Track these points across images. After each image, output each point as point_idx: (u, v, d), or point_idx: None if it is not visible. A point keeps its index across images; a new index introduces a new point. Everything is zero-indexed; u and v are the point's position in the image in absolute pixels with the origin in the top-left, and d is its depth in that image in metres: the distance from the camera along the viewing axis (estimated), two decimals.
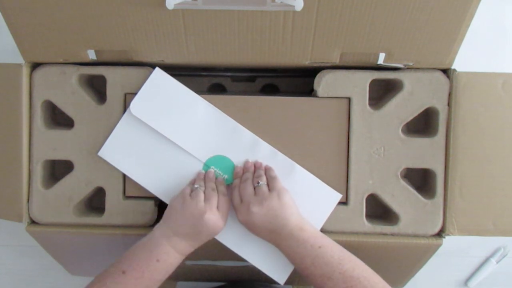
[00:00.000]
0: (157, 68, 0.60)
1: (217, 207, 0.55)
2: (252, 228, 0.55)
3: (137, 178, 0.60)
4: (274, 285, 0.74)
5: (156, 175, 0.60)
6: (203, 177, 0.59)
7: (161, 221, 0.57)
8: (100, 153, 0.60)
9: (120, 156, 0.60)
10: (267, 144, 0.60)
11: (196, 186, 0.57)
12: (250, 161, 0.60)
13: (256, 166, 0.59)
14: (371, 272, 0.51)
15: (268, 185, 0.56)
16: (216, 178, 0.60)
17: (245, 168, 0.59)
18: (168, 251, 0.54)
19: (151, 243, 0.54)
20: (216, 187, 0.58)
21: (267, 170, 0.59)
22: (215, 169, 0.60)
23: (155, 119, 0.60)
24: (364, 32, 0.54)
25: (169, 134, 0.60)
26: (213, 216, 0.54)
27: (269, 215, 0.54)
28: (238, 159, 0.60)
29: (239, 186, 0.57)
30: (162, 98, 0.60)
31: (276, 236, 0.54)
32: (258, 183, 0.56)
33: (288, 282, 0.60)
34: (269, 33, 0.55)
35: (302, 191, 0.59)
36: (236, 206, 0.56)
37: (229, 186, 0.59)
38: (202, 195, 0.56)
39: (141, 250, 0.54)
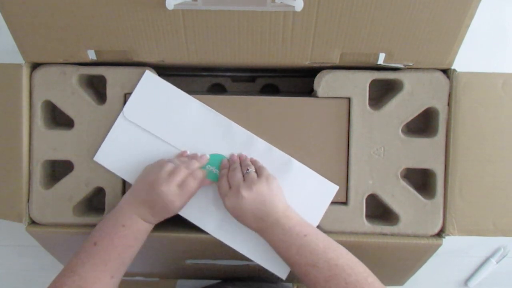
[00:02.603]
0: (147, 71, 0.60)
1: (179, 185, 0.55)
2: (239, 214, 0.54)
3: (134, 181, 0.60)
4: (272, 284, 0.74)
5: None
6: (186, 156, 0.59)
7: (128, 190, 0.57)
8: (96, 158, 0.60)
9: (115, 159, 0.60)
10: (262, 140, 0.60)
11: (171, 159, 0.57)
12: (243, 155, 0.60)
13: (242, 158, 0.59)
14: (356, 261, 0.51)
15: (256, 172, 0.56)
16: (195, 159, 0.59)
17: (231, 161, 0.59)
18: (131, 216, 0.54)
19: (116, 211, 0.55)
20: (192, 168, 0.57)
21: (254, 161, 0.59)
22: (210, 167, 0.59)
23: (149, 122, 0.60)
24: (364, 32, 0.54)
25: (163, 135, 0.60)
26: (169, 191, 0.54)
27: (257, 200, 0.53)
28: None
29: (227, 175, 0.57)
30: (154, 101, 0.60)
31: (262, 223, 0.54)
32: (248, 170, 0.56)
33: (288, 279, 0.61)
34: (269, 33, 0.55)
35: (299, 185, 0.59)
36: (224, 192, 0.55)
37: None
38: (169, 167, 0.55)
39: (109, 220, 0.55)
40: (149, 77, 0.60)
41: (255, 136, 0.60)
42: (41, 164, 0.61)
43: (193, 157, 0.59)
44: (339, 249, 0.52)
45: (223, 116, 0.60)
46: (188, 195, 0.56)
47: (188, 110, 0.60)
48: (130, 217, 0.54)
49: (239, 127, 0.60)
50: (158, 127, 0.60)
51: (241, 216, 0.55)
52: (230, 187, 0.55)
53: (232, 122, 0.60)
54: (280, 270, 0.59)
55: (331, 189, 0.60)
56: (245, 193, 0.53)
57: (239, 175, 0.56)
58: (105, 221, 0.55)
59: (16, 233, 0.81)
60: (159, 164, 0.56)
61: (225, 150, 0.60)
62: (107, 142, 0.60)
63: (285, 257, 0.53)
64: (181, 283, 0.83)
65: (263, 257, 0.59)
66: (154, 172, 0.55)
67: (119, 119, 0.60)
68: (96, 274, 0.51)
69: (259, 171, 0.57)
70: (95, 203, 0.65)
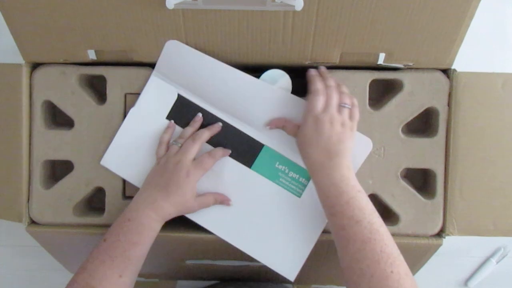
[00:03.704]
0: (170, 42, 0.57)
1: (192, 159, 0.55)
2: (315, 136, 0.53)
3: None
4: (273, 285, 0.73)
5: None
6: (196, 122, 0.58)
7: None
8: (103, 162, 0.60)
9: (122, 163, 0.60)
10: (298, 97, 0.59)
11: (172, 142, 0.57)
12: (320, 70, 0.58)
13: (337, 84, 0.57)
14: (392, 239, 0.50)
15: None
16: (202, 129, 0.58)
17: (324, 76, 0.57)
18: (138, 208, 0.54)
19: (129, 205, 0.55)
20: (201, 139, 0.56)
21: (348, 95, 0.57)
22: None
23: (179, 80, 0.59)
24: (364, 32, 0.54)
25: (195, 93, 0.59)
26: (181, 163, 0.54)
27: (339, 137, 0.52)
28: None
29: (324, 92, 0.54)
30: (179, 67, 0.58)
31: (326, 159, 0.52)
32: (346, 104, 0.54)
33: (289, 281, 0.60)
34: (269, 33, 0.55)
35: None
36: (317, 110, 0.53)
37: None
38: (175, 148, 0.56)
39: (121, 215, 0.54)
40: (172, 45, 0.57)
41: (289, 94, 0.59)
42: (41, 164, 0.61)
43: (207, 128, 0.58)
44: (381, 219, 0.51)
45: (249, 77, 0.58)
46: (203, 168, 0.55)
47: (216, 74, 0.58)
48: (136, 209, 0.54)
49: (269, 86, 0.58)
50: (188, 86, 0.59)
51: (314, 141, 0.53)
52: (324, 110, 0.53)
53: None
54: (288, 272, 0.59)
55: (367, 144, 0.59)
56: (336, 125, 0.53)
57: (336, 102, 0.54)
58: (119, 216, 0.55)
59: (16, 233, 0.81)
60: (163, 146, 0.57)
61: (262, 112, 0.59)
62: (113, 145, 0.60)
63: (331, 204, 0.52)
64: (181, 283, 0.83)
65: (272, 259, 0.59)
66: (162, 158, 0.56)
67: (126, 122, 0.60)
68: (104, 270, 0.50)
69: (353, 112, 0.55)
70: (95, 203, 0.65)
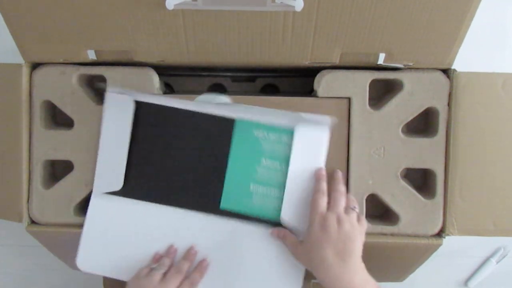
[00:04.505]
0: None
1: None
2: (324, 238, 0.51)
3: (124, 277, 0.58)
4: None
5: (138, 265, 0.57)
6: (165, 255, 0.57)
7: None
8: (80, 266, 0.58)
9: (101, 260, 0.58)
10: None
11: (153, 266, 0.55)
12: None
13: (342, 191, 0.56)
14: None
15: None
16: (187, 258, 0.56)
17: (336, 176, 0.57)
18: None
19: None
20: (183, 270, 0.55)
21: (356, 202, 0.57)
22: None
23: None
24: (364, 32, 0.54)
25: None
26: None
27: (348, 236, 0.51)
28: None
29: (330, 194, 0.54)
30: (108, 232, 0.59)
31: (340, 262, 0.51)
32: (355, 207, 0.55)
33: None
34: (269, 33, 0.55)
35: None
36: (320, 208, 0.53)
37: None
38: (158, 276, 0.53)
39: None
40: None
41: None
42: (41, 164, 0.61)
43: (184, 258, 0.57)
44: None
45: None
46: None
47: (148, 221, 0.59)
48: None
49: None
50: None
51: (324, 242, 0.51)
52: (330, 209, 0.53)
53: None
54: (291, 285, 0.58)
55: (325, 125, 0.58)
56: (345, 224, 0.51)
57: (344, 204, 0.54)
58: None
59: (16, 233, 0.81)
60: (145, 275, 0.54)
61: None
62: (84, 244, 0.58)
63: None
64: None
65: (269, 284, 0.58)
66: (144, 282, 0.53)
67: (88, 220, 0.59)
68: None
69: (361, 219, 0.55)
70: None
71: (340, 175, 0.58)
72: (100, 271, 0.59)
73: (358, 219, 0.54)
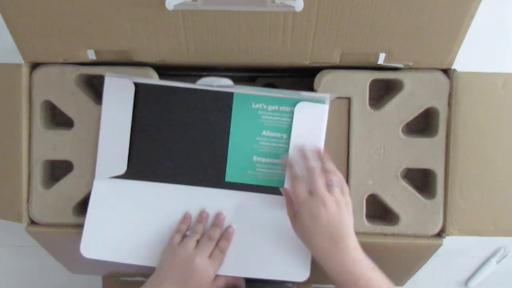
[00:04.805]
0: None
1: (209, 255, 0.55)
2: (314, 225, 0.51)
3: (132, 260, 0.59)
4: (275, 284, 0.73)
5: (146, 246, 0.59)
6: (197, 221, 0.58)
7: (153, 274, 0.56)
8: (83, 252, 0.58)
9: (102, 246, 0.58)
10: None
11: (188, 233, 0.57)
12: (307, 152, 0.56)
13: (322, 160, 0.55)
14: None
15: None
16: (217, 226, 0.58)
17: (307, 159, 0.55)
18: None
19: None
20: (215, 237, 0.57)
21: (333, 171, 0.54)
22: None
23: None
24: (364, 32, 0.54)
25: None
26: (203, 262, 0.54)
27: (338, 219, 0.51)
28: None
29: (307, 179, 0.53)
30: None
31: (332, 245, 0.51)
32: (332, 181, 0.52)
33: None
34: (269, 33, 0.55)
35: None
36: (302, 198, 0.52)
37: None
38: (192, 243, 0.55)
39: None
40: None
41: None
42: (41, 164, 0.61)
43: (214, 224, 0.58)
44: None
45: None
46: (219, 265, 0.56)
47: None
48: None
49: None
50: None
51: (315, 229, 0.51)
52: (309, 194, 0.52)
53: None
54: (300, 276, 0.58)
55: (322, 105, 0.58)
56: (330, 205, 0.51)
57: (322, 182, 0.52)
58: None
59: (16, 233, 0.81)
60: (178, 242, 0.56)
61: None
62: (87, 230, 0.58)
63: None
64: None
65: (278, 272, 0.58)
66: (179, 250, 0.55)
67: (90, 210, 0.59)
68: None
69: (342, 189, 0.53)
70: None
71: (309, 152, 0.57)
72: (104, 256, 0.59)
73: (341, 191, 0.53)
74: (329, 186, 0.52)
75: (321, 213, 0.51)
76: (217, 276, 0.57)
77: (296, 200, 0.53)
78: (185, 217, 0.59)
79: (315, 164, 0.55)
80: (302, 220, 0.52)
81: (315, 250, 0.52)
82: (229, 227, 0.58)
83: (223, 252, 0.57)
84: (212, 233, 0.57)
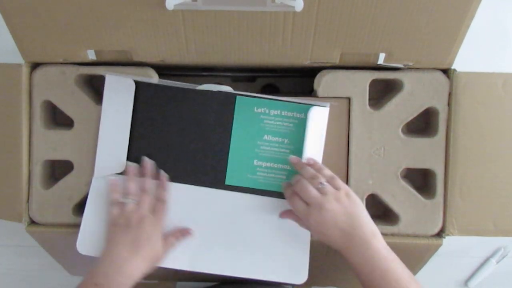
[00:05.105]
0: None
1: (151, 211, 0.56)
2: (325, 229, 0.51)
3: None
4: (273, 286, 0.73)
5: None
6: (127, 180, 0.58)
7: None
8: (80, 250, 0.58)
9: (99, 244, 0.58)
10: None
11: (124, 200, 0.57)
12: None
13: (308, 171, 0.54)
14: None
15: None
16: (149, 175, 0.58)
17: (294, 178, 0.55)
18: (106, 274, 0.51)
19: (91, 270, 0.52)
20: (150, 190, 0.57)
21: (320, 169, 0.55)
22: None
23: None
24: (364, 32, 0.54)
25: None
26: (148, 220, 0.54)
27: (343, 213, 0.51)
28: None
29: (297, 193, 0.53)
30: None
31: (347, 238, 0.51)
32: (321, 183, 0.52)
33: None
34: (269, 33, 0.55)
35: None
36: (303, 212, 0.52)
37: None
38: (131, 206, 0.56)
39: (84, 280, 0.52)
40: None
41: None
42: (41, 164, 0.61)
43: (144, 174, 0.58)
44: (419, 284, 0.50)
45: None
46: (162, 214, 0.57)
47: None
48: (106, 275, 0.51)
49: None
50: None
51: (327, 232, 0.51)
52: (308, 205, 0.52)
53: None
54: (298, 278, 0.58)
55: (323, 111, 0.58)
56: (330, 206, 0.51)
57: (313, 190, 0.52)
58: (84, 278, 0.51)
59: (16, 233, 0.81)
60: (118, 215, 0.56)
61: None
62: (84, 227, 0.58)
63: (366, 279, 0.50)
64: (180, 285, 0.83)
65: (276, 273, 0.58)
66: (120, 214, 0.55)
67: (88, 205, 0.59)
68: None
69: (332, 183, 0.53)
70: None
71: (296, 161, 0.57)
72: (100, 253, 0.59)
73: (334, 186, 0.53)
74: (320, 189, 0.52)
75: (325, 218, 0.51)
76: (164, 234, 0.56)
77: (300, 217, 0.54)
78: (112, 184, 0.58)
79: (298, 177, 0.55)
80: (314, 231, 0.53)
81: (335, 245, 0.52)
82: (162, 175, 0.58)
83: (162, 200, 0.57)
84: (146, 186, 0.57)
